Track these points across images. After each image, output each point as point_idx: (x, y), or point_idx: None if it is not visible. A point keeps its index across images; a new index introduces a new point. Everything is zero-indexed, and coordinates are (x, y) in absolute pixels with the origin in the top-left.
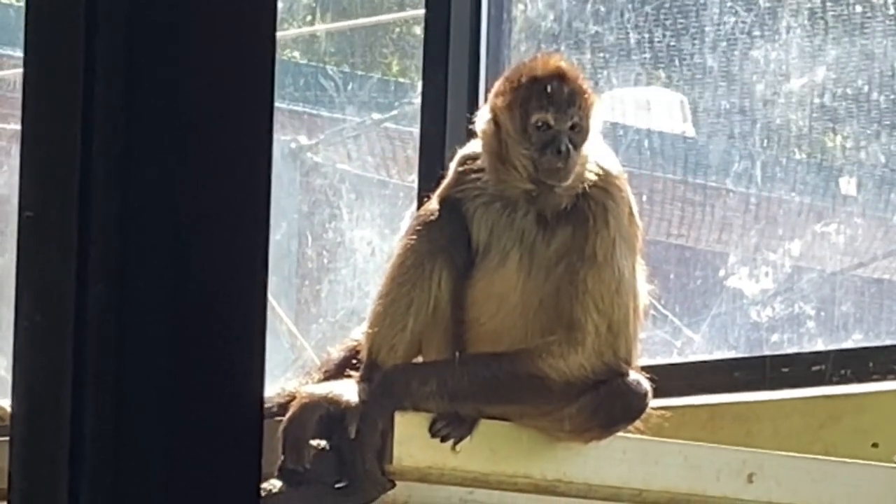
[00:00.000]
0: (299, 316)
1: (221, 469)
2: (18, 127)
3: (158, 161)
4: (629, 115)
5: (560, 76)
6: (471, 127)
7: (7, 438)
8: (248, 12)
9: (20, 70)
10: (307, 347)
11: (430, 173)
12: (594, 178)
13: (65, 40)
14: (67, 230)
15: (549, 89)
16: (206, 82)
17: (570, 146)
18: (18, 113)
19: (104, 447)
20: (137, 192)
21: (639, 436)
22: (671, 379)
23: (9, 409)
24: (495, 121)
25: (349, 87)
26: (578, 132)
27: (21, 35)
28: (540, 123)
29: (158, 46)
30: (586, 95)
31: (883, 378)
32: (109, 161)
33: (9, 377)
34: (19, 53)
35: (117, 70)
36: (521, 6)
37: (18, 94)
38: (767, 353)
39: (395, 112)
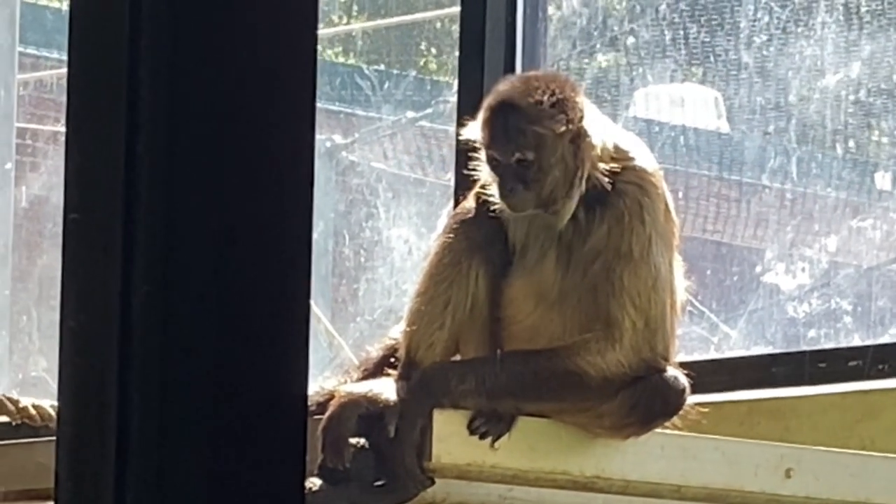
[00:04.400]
0: (337, 315)
1: (266, 468)
2: (55, 128)
3: (202, 162)
4: (664, 111)
5: (505, 108)
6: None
7: (52, 438)
8: (290, 13)
9: (56, 72)
10: (344, 346)
11: (466, 172)
12: (628, 175)
13: (109, 41)
14: (112, 232)
15: (493, 123)
16: (250, 84)
17: (517, 182)
18: (55, 114)
19: (150, 446)
20: (182, 193)
21: (677, 432)
22: (708, 375)
23: (50, 410)
24: None
25: (385, 85)
26: (527, 167)
27: (57, 37)
28: (490, 157)
29: (202, 47)
30: (534, 129)
31: None
32: (154, 163)
33: (48, 377)
34: (55, 55)
35: (161, 72)
36: (556, 3)
37: (55, 96)
38: (805, 348)
39: (429, 110)
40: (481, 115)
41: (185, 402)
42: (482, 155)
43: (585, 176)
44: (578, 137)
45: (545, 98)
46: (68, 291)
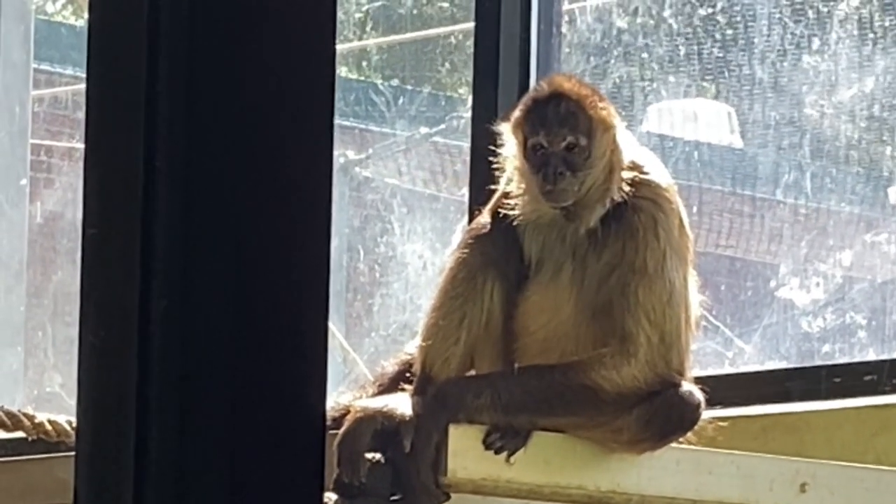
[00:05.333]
0: (351, 330)
1: (285, 484)
2: (70, 145)
3: (220, 177)
4: (677, 126)
5: (557, 96)
6: (496, 148)
7: (71, 454)
8: (309, 28)
9: (71, 88)
10: (359, 362)
11: (480, 187)
12: (643, 190)
13: (127, 57)
14: (131, 247)
15: (542, 111)
16: (268, 100)
17: (566, 168)
18: (70, 131)
19: (169, 460)
20: (200, 208)
21: (692, 446)
22: (723, 389)
23: (65, 425)
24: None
25: (399, 101)
26: (577, 153)
27: (72, 53)
28: (535, 146)
29: (220, 63)
30: (588, 114)
31: None
32: (172, 178)
33: (63, 393)
34: (70, 71)
35: (179, 87)
36: (570, 19)
37: (70, 112)
38: (819, 363)
39: (443, 126)
40: (524, 107)
41: (204, 417)
42: (515, 151)
43: (617, 182)
44: (614, 143)
45: (591, 92)
46: (87, 306)
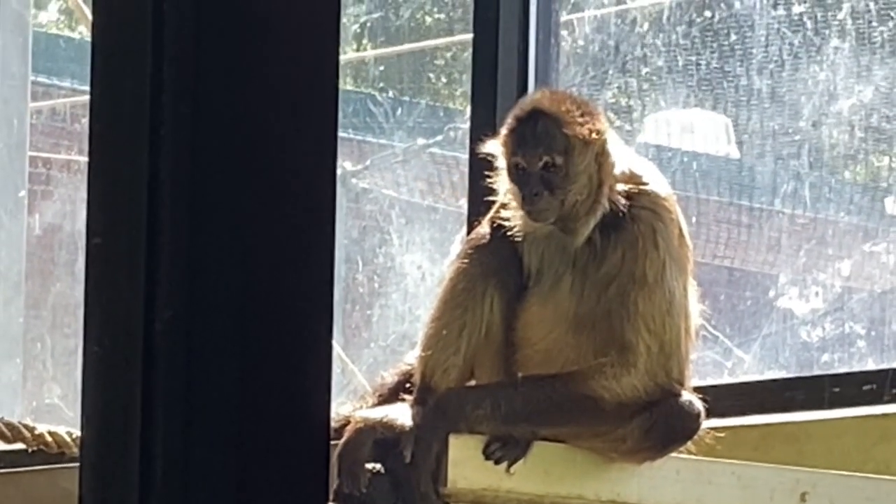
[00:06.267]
0: (350, 341)
1: (289, 494)
2: (68, 157)
3: (226, 187)
4: (675, 137)
5: (535, 114)
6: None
7: (70, 465)
8: (312, 40)
9: (69, 100)
10: (357, 373)
11: (479, 198)
12: (641, 200)
13: (131, 66)
14: (135, 256)
15: (521, 131)
16: (273, 110)
17: (543, 188)
18: (68, 143)
19: (174, 471)
20: (205, 217)
21: (692, 456)
22: (723, 399)
23: (65, 436)
24: None
25: (397, 112)
26: (554, 172)
27: (70, 65)
28: (516, 165)
29: (225, 73)
30: (564, 132)
31: None
32: (177, 187)
33: (62, 405)
34: (68, 83)
35: (184, 97)
36: (568, 30)
37: (69, 124)
38: (819, 372)
39: (440, 137)
40: (507, 126)
41: (209, 426)
42: (503, 168)
43: (606, 194)
44: (602, 154)
45: (574, 108)
46: (91, 316)
